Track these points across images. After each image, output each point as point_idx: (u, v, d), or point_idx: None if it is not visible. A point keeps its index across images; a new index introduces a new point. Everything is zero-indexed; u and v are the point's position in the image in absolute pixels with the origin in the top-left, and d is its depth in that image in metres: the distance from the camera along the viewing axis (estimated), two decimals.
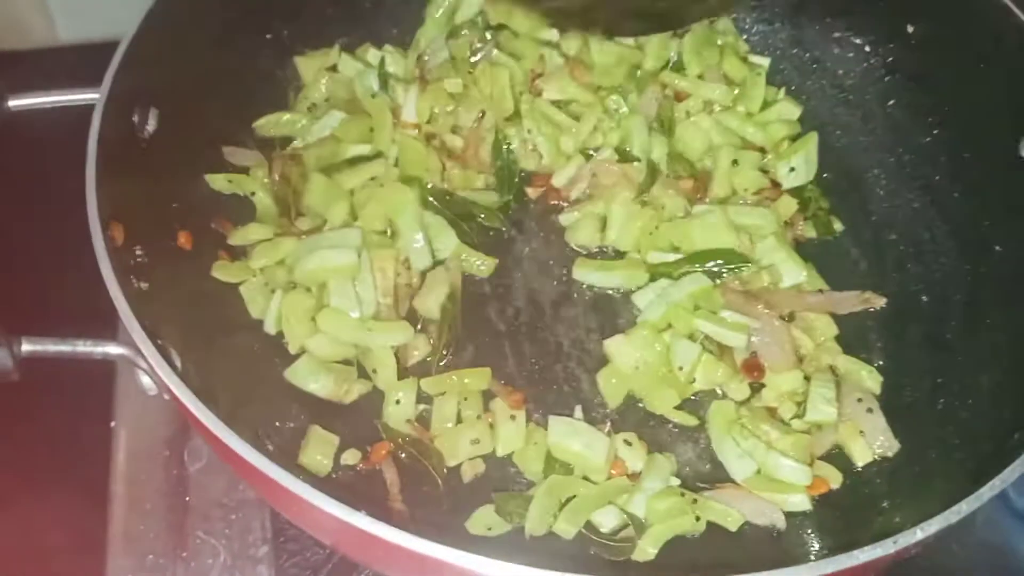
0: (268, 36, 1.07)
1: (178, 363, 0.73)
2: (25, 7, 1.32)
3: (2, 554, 0.95)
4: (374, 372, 0.93)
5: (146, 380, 0.76)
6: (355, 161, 1.04)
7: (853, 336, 0.97)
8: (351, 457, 0.88)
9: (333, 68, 1.11)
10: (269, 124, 1.07)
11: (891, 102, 1.06)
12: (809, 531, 0.84)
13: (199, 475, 0.99)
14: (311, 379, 0.91)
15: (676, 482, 0.86)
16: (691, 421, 0.90)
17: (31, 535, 0.96)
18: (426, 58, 1.10)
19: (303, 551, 0.93)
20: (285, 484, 0.63)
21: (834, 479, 0.87)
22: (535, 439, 0.88)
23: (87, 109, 0.84)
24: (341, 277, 0.95)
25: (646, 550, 0.81)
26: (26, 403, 0.99)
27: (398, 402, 0.90)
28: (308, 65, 1.10)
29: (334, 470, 0.87)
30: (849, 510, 0.86)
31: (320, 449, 0.87)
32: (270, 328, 0.95)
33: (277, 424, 0.87)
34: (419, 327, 0.96)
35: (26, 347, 0.74)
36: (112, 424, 1.01)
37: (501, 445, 0.88)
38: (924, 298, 0.98)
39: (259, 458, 0.64)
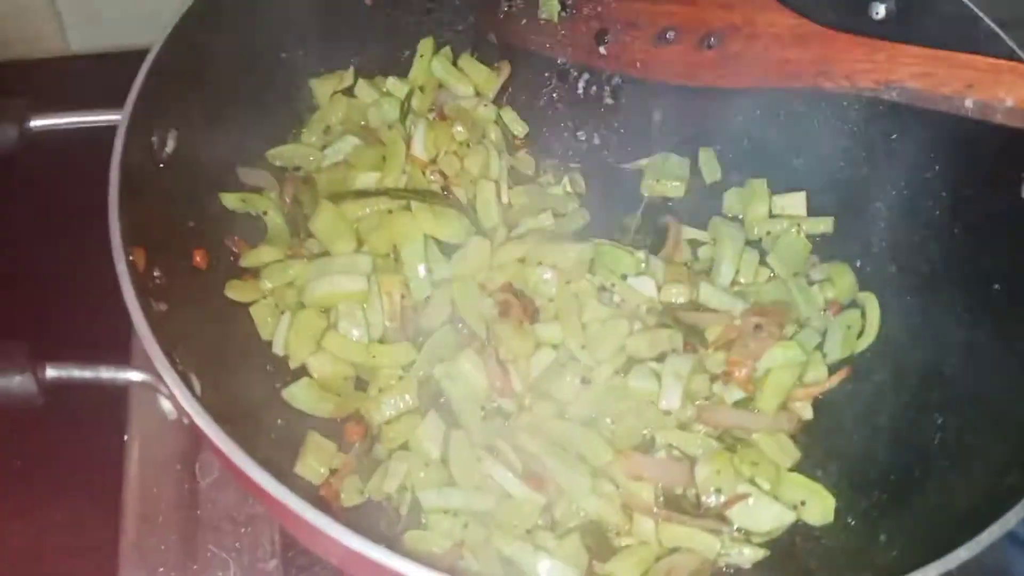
0: (283, 56, 1.08)
1: (197, 387, 0.74)
2: (38, 17, 1.33)
3: (16, 565, 0.97)
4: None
5: (166, 405, 0.78)
6: (364, 193, 1.04)
7: (855, 366, 1.00)
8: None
9: (349, 91, 1.12)
10: (283, 154, 1.08)
11: (894, 136, 1.08)
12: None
13: (210, 489, 1.01)
14: (310, 403, 0.94)
15: None
16: None
17: (44, 547, 0.98)
18: (442, 99, 1.11)
19: (312, 566, 0.95)
20: (307, 517, 0.65)
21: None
22: None
23: (107, 132, 0.86)
24: (351, 302, 0.97)
25: None
26: (40, 417, 1.01)
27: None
28: (322, 86, 1.12)
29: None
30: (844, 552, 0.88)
31: (317, 457, 0.89)
32: (278, 349, 0.97)
33: (277, 436, 0.89)
34: (420, 342, 0.98)
35: (51, 372, 0.75)
36: (125, 438, 1.02)
37: None
38: (923, 332, 1.00)
39: (279, 488, 0.66)
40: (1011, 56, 0.91)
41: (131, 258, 0.77)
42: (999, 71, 0.81)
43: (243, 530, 0.99)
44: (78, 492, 1.01)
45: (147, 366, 0.74)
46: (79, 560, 0.97)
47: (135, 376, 0.76)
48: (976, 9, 0.95)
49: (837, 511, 0.89)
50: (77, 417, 1.03)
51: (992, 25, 0.94)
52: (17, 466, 1.01)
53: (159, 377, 0.72)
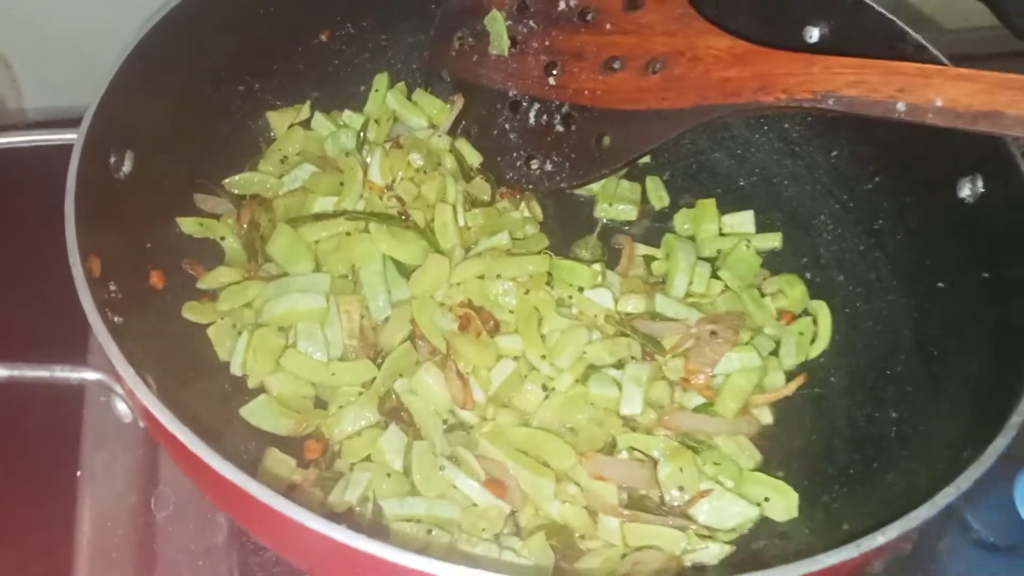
0: (241, 88, 1.10)
1: (153, 386, 0.73)
2: None
3: None
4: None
5: (121, 407, 0.77)
6: (321, 216, 1.06)
7: (811, 370, 1.02)
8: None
9: (306, 123, 1.14)
10: (240, 182, 1.09)
11: (834, 153, 1.13)
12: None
13: (166, 522, 0.98)
14: (269, 419, 0.93)
15: None
16: None
17: None
18: (397, 131, 1.15)
19: None
20: (263, 499, 0.64)
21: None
22: None
23: (64, 150, 0.87)
24: (309, 321, 0.97)
25: None
26: None
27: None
28: (280, 119, 1.14)
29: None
30: (809, 544, 0.88)
31: (276, 469, 0.88)
32: (236, 370, 0.96)
33: (235, 454, 0.88)
34: (379, 360, 0.98)
35: (2, 372, 0.74)
36: (78, 473, 1.00)
37: None
38: (874, 334, 1.02)
39: (238, 474, 0.65)
40: (937, 63, 0.96)
41: (87, 265, 0.77)
42: (928, 74, 0.85)
43: (200, 563, 0.96)
44: (30, 530, 0.98)
45: (103, 367, 0.74)
46: None
47: (89, 375, 0.75)
48: (903, 25, 1.01)
49: (800, 506, 0.90)
50: (29, 455, 1.01)
51: (919, 38, 0.99)
52: None
53: (114, 376, 0.71)
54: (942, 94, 0.85)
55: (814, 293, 1.08)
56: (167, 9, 0.96)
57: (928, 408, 0.90)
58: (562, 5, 1.08)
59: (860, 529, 0.69)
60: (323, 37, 1.15)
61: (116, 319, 0.81)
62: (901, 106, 0.87)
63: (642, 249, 1.11)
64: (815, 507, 0.90)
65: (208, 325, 0.97)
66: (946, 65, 0.94)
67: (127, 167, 0.92)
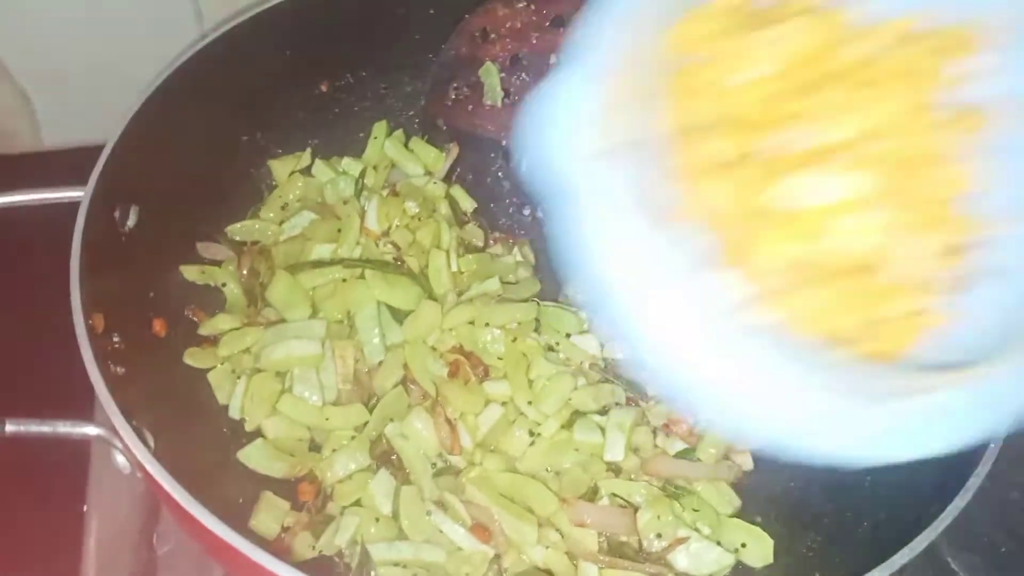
0: (244, 138, 1.15)
1: (151, 443, 0.77)
2: (11, 114, 1.39)
3: None
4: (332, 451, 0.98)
5: (121, 459, 0.81)
6: (319, 263, 1.09)
7: None
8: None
9: (306, 170, 1.19)
10: (242, 230, 1.13)
11: None
12: None
13: (167, 558, 1.02)
14: (264, 463, 0.96)
15: None
16: None
17: None
18: (394, 177, 1.18)
19: None
20: (249, 553, 0.67)
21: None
22: None
23: (70, 206, 0.91)
24: (305, 366, 1.01)
25: None
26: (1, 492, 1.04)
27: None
28: (281, 167, 1.18)
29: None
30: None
31: (271, 514, 0.92)
32: (235, 413, 1.00)
33: (240, 501, 0.92)
34: (372, 403, 1.02)
35: (10, 428, 0.78)
36: (84, 509, 1.04)
37: None
38: None
39: (226, 530, 0.69)
40: None
41: (90, 322, 0.82)
42: None
43: None
44: (36, 565, 1.02)
45: (105, 423, 0.78)
46: None
47: (91, 430, 0.79)
48: None
49: (776, 552, 0.92)
50: (35, 492, 1.06)
51: None
52: None
53: (113, 431, 0.76)
54: None
55: None
56: (171, 69, 1.00)
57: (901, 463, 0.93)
58: (553, 59, 1.12)
59: None
60: (323, 87, 1.20)
61: (118, 370, 0.85)
62: None
63: None
64: (790, 554, 0.93)
65: (208, 370, 1.01)
66: None
67: (132, 221, 0.96)
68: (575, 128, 0.63)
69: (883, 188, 0.64)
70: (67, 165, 0.95)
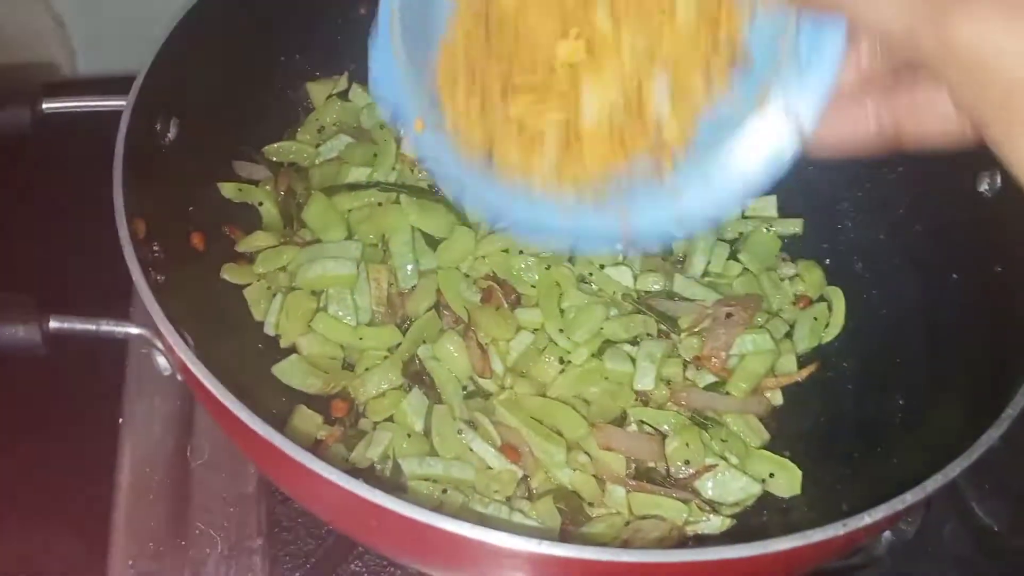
0: (282, 59, 1.14)
1: (191, 343, 0.78)
2: (47, 41, 1.39)
3: (7, 536, 1.00)
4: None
5: (161, 361, 0.82)
6: (355, 186, 1.10)
7: (823, 354, 1.04)
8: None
9: (344, 94, 1.18)
10: (279, 151, 1.13)
11: None
12: None
13: (200, 470, 1.04)
14: (298, 378, 0.98)
15: None
16: None
17: (38, 521, 1.01)
18: None
19: (296, 541, 0.97)
20: (288, 451, 0.68)
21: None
22: None
23: (113, 116, 0.91)
24: (340, 286, 1.02)
25: None
26: (40, 403, 1.07)
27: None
28: (319, 90, 1.18)
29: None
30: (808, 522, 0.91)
31: (305, 426, 0.94)
32: (269, 330, 1.01)
33: (275, 412, 0.93)
34: (405, 326, 1.03)
35: (54, 324, 0.79)
36: (120, 421, 1.06)
37: None
38: (886, 323, 1.05)
39: (265, 427, 0.70)
40: None
41: (133, 227, 0.82)
42: None
43: (231, 510, 1.02)
44: (73, 470, 1.04)
45: (145, 322, 0.79)
46: (71, 533, 1.00)
47: (133, 330, 0.80)
48: None
49: (804, 484, 0.93)
50: (75, 405, 1.08)
51: None
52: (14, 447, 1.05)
53: (155, 331, 0.77)
54: None
55: (830, 279, 1.10)
56: None
57: (933, 397, 0.93)
58: None
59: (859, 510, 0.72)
60: (362, 10, 1.18)
61: (159, 277, 0.86)
62: None
63: None
64: (818, 486, 0.93)
65: (245, 286, 1.02)
66: None
67: (172, 133, 0.96)
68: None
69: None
70: (104, 92, 0.95)
